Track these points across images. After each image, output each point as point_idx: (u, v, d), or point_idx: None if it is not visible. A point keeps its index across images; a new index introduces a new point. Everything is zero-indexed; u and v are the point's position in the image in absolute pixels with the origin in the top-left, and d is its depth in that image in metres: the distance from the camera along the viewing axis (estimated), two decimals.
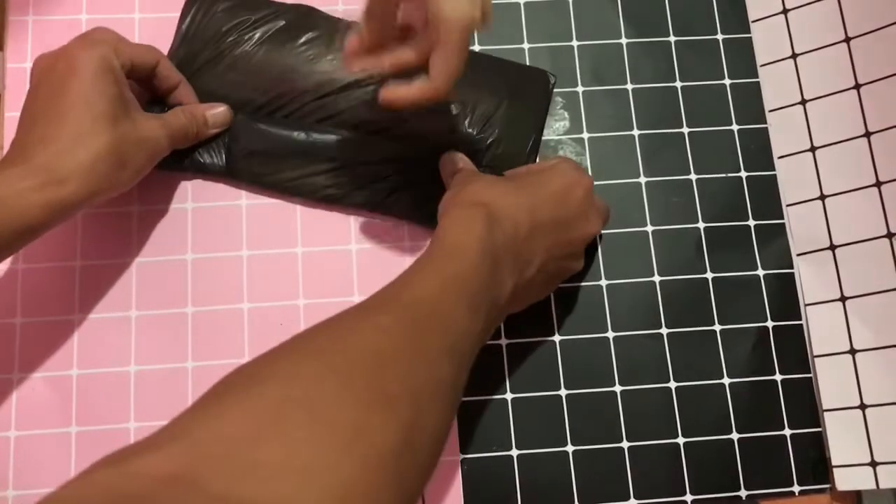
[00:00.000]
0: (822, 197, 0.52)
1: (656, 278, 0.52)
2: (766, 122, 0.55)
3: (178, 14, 0.52)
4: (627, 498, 0.48)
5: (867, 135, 0.51)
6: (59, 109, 0.41)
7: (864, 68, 0.52)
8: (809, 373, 0.51)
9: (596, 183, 0.53)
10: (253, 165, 0.50)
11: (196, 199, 0.51)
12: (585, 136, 0.54)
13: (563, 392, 0.50)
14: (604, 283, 0.52)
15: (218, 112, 0.50)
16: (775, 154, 0.55)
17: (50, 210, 0.39)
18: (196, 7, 0.52)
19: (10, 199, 0.38)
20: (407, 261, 0.51)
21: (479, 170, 0.49)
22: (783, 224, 0.53)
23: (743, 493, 0.49)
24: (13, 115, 0.51)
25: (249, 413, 0.26)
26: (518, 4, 0.56)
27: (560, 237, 0.44)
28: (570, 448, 0.49)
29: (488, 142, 0.51)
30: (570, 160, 0.49)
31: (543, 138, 0.53)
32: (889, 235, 0.49)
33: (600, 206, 0.48)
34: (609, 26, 0.56)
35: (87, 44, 0.43)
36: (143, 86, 0.49)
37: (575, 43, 0.56)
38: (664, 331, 0.51)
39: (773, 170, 0.54)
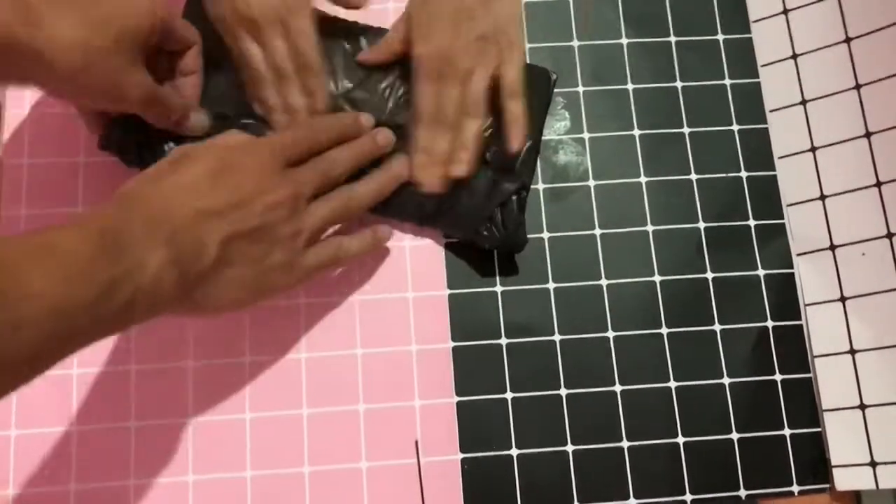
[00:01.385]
0: (823, 197, 0.52)
1: (656, 278, 0.52)
2: (766, 123, 0.55)
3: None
4: (627, 497, 0.48)
5: (867, 135, 0.51)
6: None
7: (864, 69, 0.52)
8: (809, 373, 0.51)
9: (596, 182, 0.53)
10: None
11: None
12: (586, 135, 0.54)
13: (563, 392, 0.50)
14: (604, 282, 0.52)
15: (201, 117, 0.49)
16: (776, 154, 0.55)
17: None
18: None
19: None
20: (408, 260, 0.51)
21: (481, 166, 0.50)
22: (783, 224, 0.53)
23: (742, 492, 0.49)
24: (14, 112, 0.51)
25: None
26: None
27: (240, 228, 0.40)
28: (569, 448, 0.49)
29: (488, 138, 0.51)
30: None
31: (543, 138, 0.53)
32: (889, 235, 0.49)
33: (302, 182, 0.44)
34: (609, 26, 0.56)
35: None
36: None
37: (575, 43, 0.56)
38: (664, 330, 0.51)
39: (774, 170, 0.54)
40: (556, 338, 0.51)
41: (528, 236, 0.51)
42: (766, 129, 0.55)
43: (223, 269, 0.40)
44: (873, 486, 0.48)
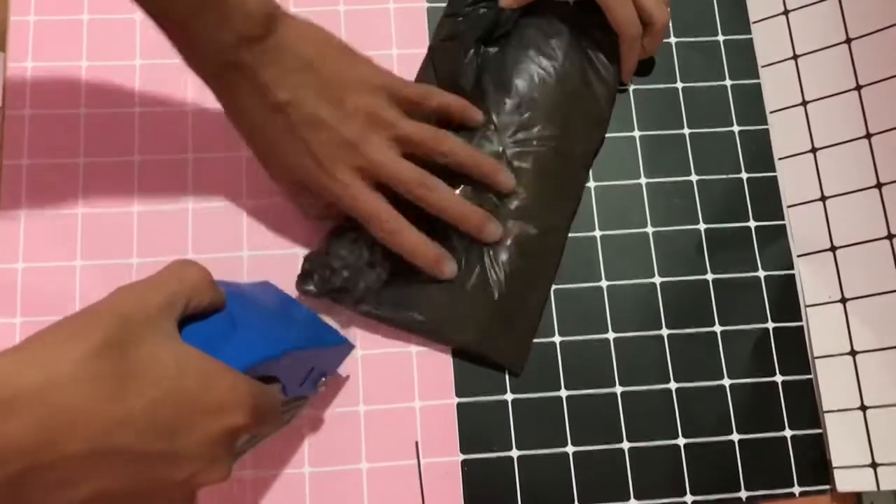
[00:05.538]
0: (823, 198, 0.52)
1: (657, 279, 0.52)
2: (766, 124, 0.55)
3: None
4: (627, 499, 0.48)
5: (868, 136, 0.51)
6: None
7: (865, 69, 0.52)
8: (810, 374, 0.51)
9: (596, 184, 0.53)
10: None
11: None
12: None
13: (563, 393, 0.50)
14: (604, 283, 0.51)
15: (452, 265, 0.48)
16: (776, 155, 0.55)
17: None
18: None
19: None
20: None
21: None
22: (784, 225, 0.53)
23: (743, 493, 0.49)
24: (14, 112, 0.51)
25: None
26: None
27: (135, 481, 0.31)
28: (570, 449, 0.49)
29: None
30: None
31: None
32: (890, 237, 0.49)
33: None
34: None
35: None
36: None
37: None
38: (664, 332, 0.51)
39: (774, 171, 0.54)
40: (557, 339, 0.50)
41: None
42: (767, 129, 0.55)
43: None
44: (874, 488, 0.48)
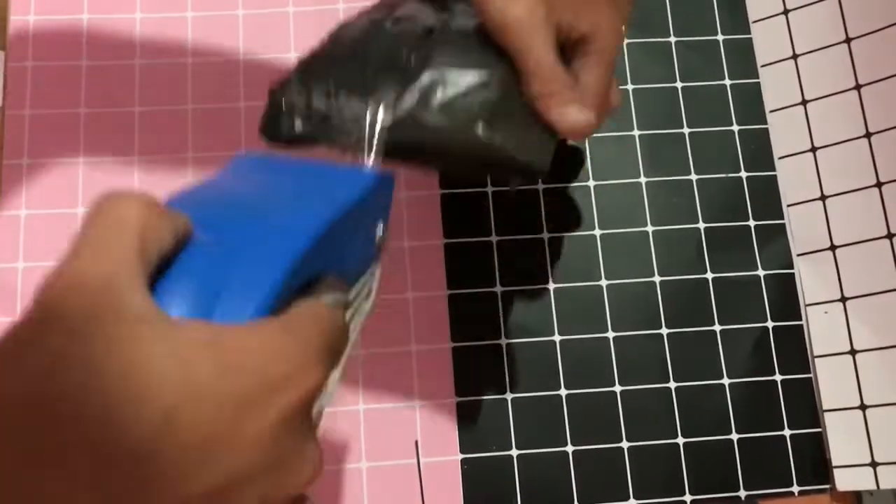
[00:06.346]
0: (823, 197, 0.52)
1: (656, 278, 0.52)
2: (766, 123, 0.55)
3: (179, 13, 0.52)
4: (627, 498, 0.48)
5: (868, 135, 0.51)
6: None
7: (864, 69, 0.52)
8: (809, 373, 0.51)
9: (596, 183, 0.53)
10: None
11: None
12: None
13: (562, 392, 0.50)
14: (604, 282, 0.52)
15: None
16: (776, 154, 0.55)
17: None
18: None
19: None
20: (408, 260, 0.51)
21: None
22: (783, 224, 0.53)
23: (742, 493, 0.49)
24: (14, 113, 0.51)
25: None
26: None
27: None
28: (569, 448, 0.49)
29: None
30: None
31: None
32: (889, 236, 0.49)
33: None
34: None
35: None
36: None
37: None
38: (664, 331, 0.51)
39: (774, 170, 0.54)
40: (556, 338, 0.51)
41: (527, 236, 0.51)
42: (767, 129, 0.55)
43: None
44: (874, 487, 0.48)
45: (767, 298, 0.52)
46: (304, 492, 0.25)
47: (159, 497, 0.20)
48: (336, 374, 0.28)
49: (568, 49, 0.37)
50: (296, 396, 0.23)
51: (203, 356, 0.21)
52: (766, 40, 0.56)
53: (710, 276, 0.52)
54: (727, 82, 0.56)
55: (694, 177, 0.54)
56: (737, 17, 0.57)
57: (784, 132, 0.55)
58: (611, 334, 0.51)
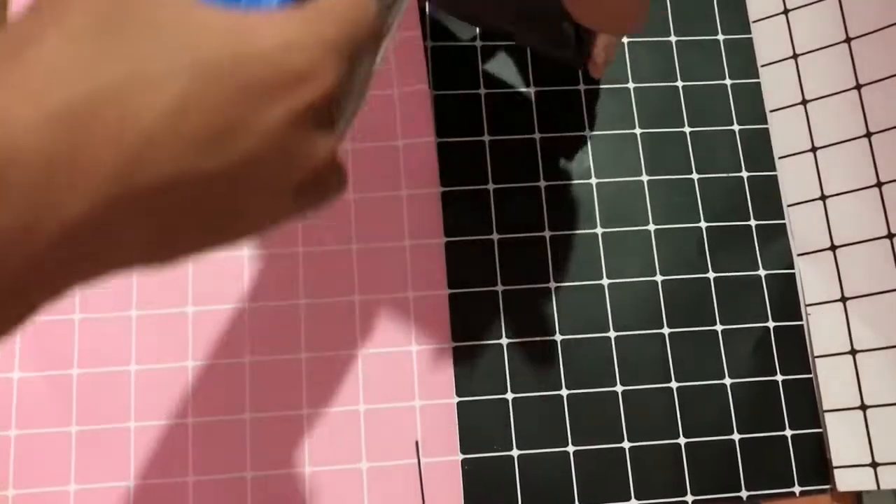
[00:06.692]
0: (823, 197, 0.52)
1: (658, 278, 0.52)
2: (766, 123, 0.55)
3: None
4: (628, 498, 0.48)
5: (868, 135, 0.51)
6: None
7: (864, 68, 0.52)
8: (810, 373, 0.51)
9: (598, 181, 0.53)
10: None
11: None
12: (588, 134, 0.54)
13: (563, 392, 0.50)
14: (605, 282, 0.51)
15: None
16: (776, 154, 0.55)
17: None
18: None
19: None
20: (407, 259, 0.51)
21: None
22: (784, 224, 0.53)
23: (744, 493, 0.49)
24: None
25: None
26: None
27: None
28: (570, 448, 0.49)
29: None
30: None
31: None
32: (890, 236, 0.49)
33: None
34: None
35: None
36: None
37: None
38: (665, 331, 0.51)
39: (774, 170, 0.54)
40: (557, 338, 0.50)
41: (527, 235, 0.51)
42: (767, 129, 0.55)
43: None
44: (874, 487, 0.48)
45: (768, 298, 0.52)
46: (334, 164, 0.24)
47: (173, 167, 0.20)
48: (372, 66, 0.27)
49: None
50: (310, 93, 0.22)
51: (220, 42, 0.21)
52: (767, 40, 0.56)
53: (711, 275, 0.52)
54: (728, 82, 0.56)
55: (695, 176, 0.54)
56: (737, 17, 0.57)
57: (784, 132, 0.55)
58: (612, 334, 0.51)
